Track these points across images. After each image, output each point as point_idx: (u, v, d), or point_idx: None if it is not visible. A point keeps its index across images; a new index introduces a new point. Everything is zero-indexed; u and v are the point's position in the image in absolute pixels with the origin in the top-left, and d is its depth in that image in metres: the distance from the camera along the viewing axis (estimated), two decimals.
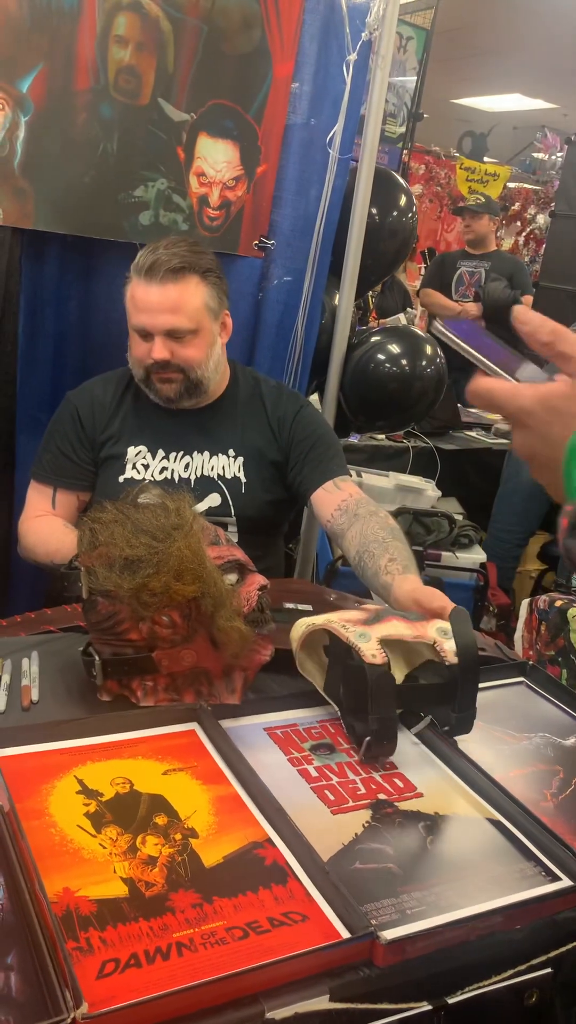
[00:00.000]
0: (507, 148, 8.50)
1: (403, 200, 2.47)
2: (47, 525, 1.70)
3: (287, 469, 1.77)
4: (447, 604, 1.29)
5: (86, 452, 1.74)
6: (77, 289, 2.02)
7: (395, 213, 2.43)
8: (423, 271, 7.59)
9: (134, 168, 1.92)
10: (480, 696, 1.18)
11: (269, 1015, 0.75)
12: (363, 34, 2.10)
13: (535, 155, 8.70)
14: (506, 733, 1.26)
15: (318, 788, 1.06)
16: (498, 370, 0.86)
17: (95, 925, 0.80)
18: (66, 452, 1.74)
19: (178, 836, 0.93)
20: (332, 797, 1.05)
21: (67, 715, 1.13)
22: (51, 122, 1.78)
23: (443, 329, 0.91)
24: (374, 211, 2.35)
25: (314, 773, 1.09)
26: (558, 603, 1.85)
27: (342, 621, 1.17)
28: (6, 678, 1.19)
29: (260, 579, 1.20)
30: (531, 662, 1.48)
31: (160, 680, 1.17)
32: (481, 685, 1.28)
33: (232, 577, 1.17)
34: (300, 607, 1.49)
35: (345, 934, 0.83)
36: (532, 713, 1.34)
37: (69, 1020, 0.68)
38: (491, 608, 2.81)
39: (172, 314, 1.62)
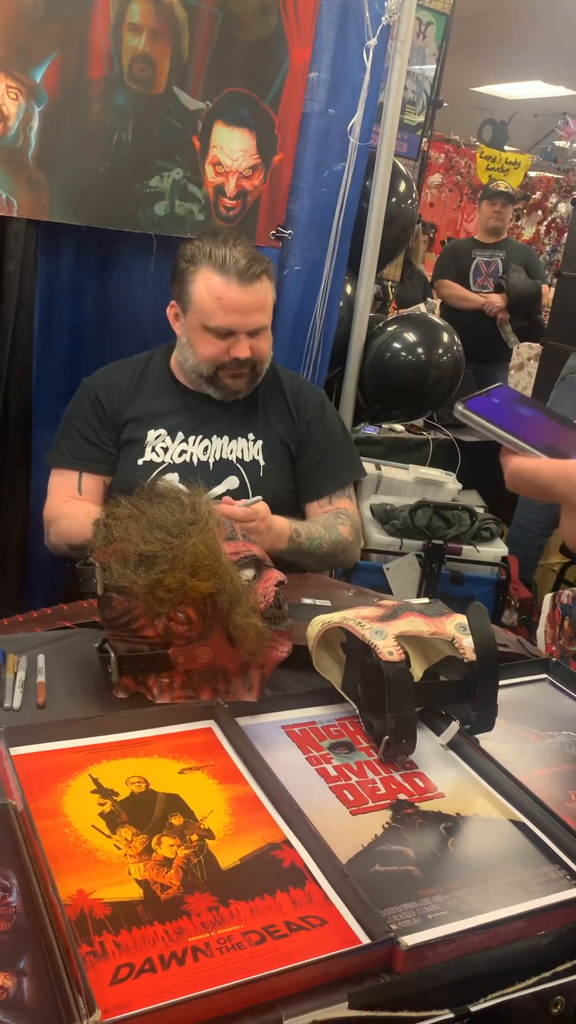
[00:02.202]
0: (528, 136, 8.41)
1: (403, 186, 2.44)
2: (82, 508, 1.65)
3: (296, 462, 1.79)
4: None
5: (108, 435, 1.72)
6: (93, 280, 2.00)
7: (394, 199, 2.40)
8: None
9: (149, 158, 1.90)
10: (502, 693, 1.16)
11: (287, 1022, 0.73)
12: (383, 18, 2.07)
13: (556, 143, 8.60)
14: (529, 731, 1.23)
15: (337, 788, 1.04)
16: (531, 449, 0.77)
17: (109, 929, 0.79)
18: (88, 436, 1.71)
19: (194, 837, 0.92)
20: (351, 797, 1.03)
21: (82, 712, 1.11)
22: (65, 112, 1.76)
23: (468, 412, 0.79)
24: (387, 199, 2.31)
25: (333, 772, 1.07)
26: None
27: (358, 618, 1.14)
28: (21, 675, 1.18)
29: (277, 574, 1.18)
30: (554, 658, 1.45)
31: (176, 677, 1.15)
32: (503, 682, 1.25)
33: (249, 573, 1.15)
34: (318, 602, 1.47)
35: (364, 939, 0.81)
36: (556, 711, 1.31)
37: None
38: (513, 602, 2.77)
39: (258, 313, 1.64)
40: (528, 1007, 0.83)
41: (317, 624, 1.19)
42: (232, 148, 2.00)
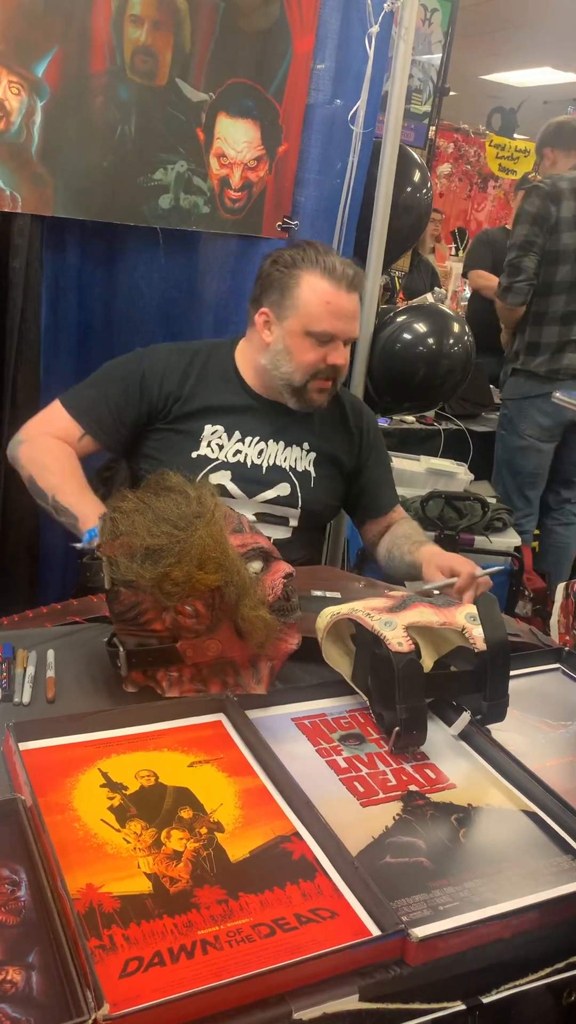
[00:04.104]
0: (538, 123, 8.33)
1: (417, 176, 2.41)
2: (66, 462, 1.59)
3: (353, 483, 1.83)
4: (475, 568, 1.48)
5: (132, 415, 1.69)
6: (99, 275, 2.00)
7: (408, 189, 2.37)
8: (452, 252, 7.47)
9: (153, 151, 1.89)
10: (514, 683, 1.15)
11: (297, 1015, 0.73)
12: (385, 5, 2.05)
13: None
14: (542, 721, 1.23)
15: (347, 780, 1.03)
16: None
17: (118, 922, 0.79)
18: (112, 405, 1.67)
19: (204, 830, 0.91)
20: (362, 789, 1.02)
21: (92, 707, 1.11)
22: (68, 106, 1.75)
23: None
24: (392, 188, 2.29)
25: (343, 764, 1.06)
26: None
27: (367, 609, 1.14)
28: (31, 670, 1.18)
29: (285, 567, 1.17)
30: (567, 648, 1.44)
31: (185, 671, 1.15)
32: (516, 672, 1.25)
33: (256, 565, 1.14)
34: (328, 594, 1.47)
35: (375, 931, 0.80)
36: (568, 700, 1.30)
37: (91, 1021, 0.67)
38: (527, 593, 2.76)
39: (356, 322, 1.67)
40: (540, 998, 0.83)
41: (326, 616, 1.18)
42: (236, 139, 1.99)
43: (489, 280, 4.58)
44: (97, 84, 1.77)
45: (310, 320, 1.62)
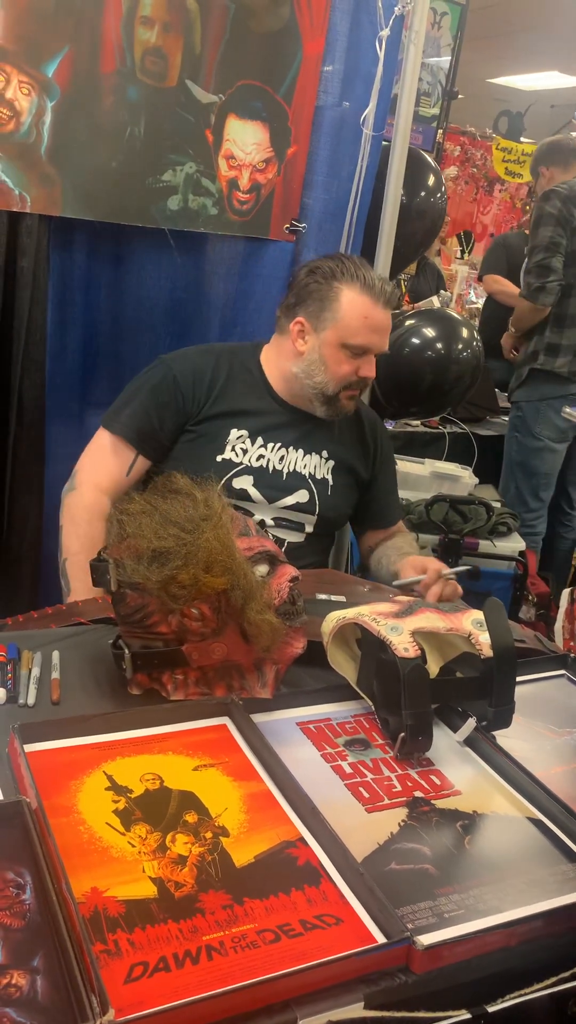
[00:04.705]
0: (544, 127, 8.31)
1: (431, 180, 2.41)
2: (97, 521, 1.63)
3: (363, 493, 1.85)
4: (443, 567, 1.61)
5: (172, 425, 1.70)
6: (106, 276, 2.00)
7: (423, 194, 2.37)
8: (458, 255, 7.47)
9: (162, 152, 1.89)
10: (520, 689, 1.14)
11: (302, 1022, 0.73)
12: (396, 8, 2.05)
13: (574, 134, 8.50)
14: (547, 728, 1.22)
15: (352, 785, 1.03)
16: None
17: (123, 927, 0.78)
18: (153, 419, 1.69)
19: (208, 834, 0.91)
20: (367, 794, 1.02)
21: (96, 709, 1.11)
22: (77, 107, 1.75)
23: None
24: (401, 192, 2.29)
25: (348, 769, 1.06)
26: None
27: (373, 614, 1.14)
28: (36, 671, 1.18)
29: (291, 570, 1.17)
30: (572, 654, 1.43)
31: (191, 674, 1.15)
32: (521, 678, 1.24)
33: (263, 568, 1.14)
34: (333, 598, 1.46)
35: (380, 938, 0.80)
36: (574, 707, 1.29)
37: None
38: (530, 597, 2.75)
39: (388, 336, 1.71)
40: (545, 1007, 0.82)
41: (332, 620, 1.18)
42: (245, 141, 1.99)
43: (504, 285, 4.57)
44: (107, 85, 1.77)
45: (348, 333, 1.64)
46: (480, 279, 4.93)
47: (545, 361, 3.23)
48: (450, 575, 1.61)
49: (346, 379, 1.68)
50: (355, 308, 1.64)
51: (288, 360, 1.72)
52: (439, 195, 2.45)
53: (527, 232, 4.73)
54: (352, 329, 1.64)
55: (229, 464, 1.69)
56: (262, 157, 2.03)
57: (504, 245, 4.81)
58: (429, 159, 2.48)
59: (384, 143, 2.20)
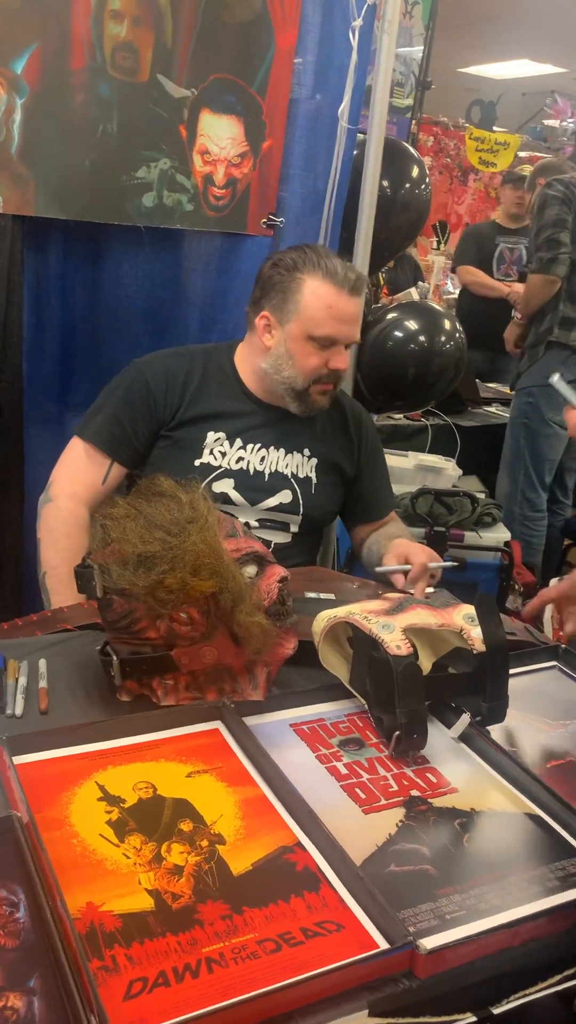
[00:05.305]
0: (516, 116, 8.33)
1: (415, 171, 2.40)
2: (75, 533, 1.61)
3: (351, 488, 1.82)
4: (428, 560, 1.56)
5: (147, 431, 1.68)
6: (82, 275, 1.97)
7: (407, 185, 2.36)
8: (434, 245, 7.46)
9: (135, 148, 1.86)
10: (512, 682, 1.14)
11: None
12: None
13: (546, 122, 8.52)
14: (541, 721, 1.22)
15: (348, 786, 1.02)
16: None
17: (120, 942, 0.77)
18: (126, 425, 1.66)
19: (204, 843, 0.90)
20: (363, 795, 1.01)
21: (85, 717, 1.09)
22: (48, 104, 1.72)
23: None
24: (385, 184, 2.28)
25: (343, 770, 1.05)
26: None
27: (364, 612, 1.12)
28: (23, 680, 1.16)
29: (280, 570, 1.15)
30: (563, 644, 1.43)
31: (181, 679, 1.13)
32: (513, 671, 1.23)
33: (251, 570, 1.12)
34: (322, 596, 1.45)
35: (382, 943, 0.79)
36: (567, 699, 1.29)
37: None
38: (517, 587, 2.75)
39: (357, 326, 1.68)
40: (551, 1006, 0.82)
41: (323, 620, 1.17)
42: (220, 136, 1.96)
43: (477, 276, 4.57)
44: (78, 81, 1.74)
45: (312, 324, 1.60)
46: (454, 270, 4.94)
47: (560, 334, 3.28)
48: (436, 569, 1.60)
49: (315, 372, 1.63)
50: (318, 298, 1.59)
51: (258, 356, 1.68)
52: (423, 187, 2.44)
53: (500, 223, 4.75)
54: (316, 320, 1.60)
55: (208, 468, 1.66)
56: (237, 152, 2.01)
57: (474, 235, 4.82)
58: (412, 150, 2.47)
59: (360, 135, 2.19)
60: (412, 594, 1.51)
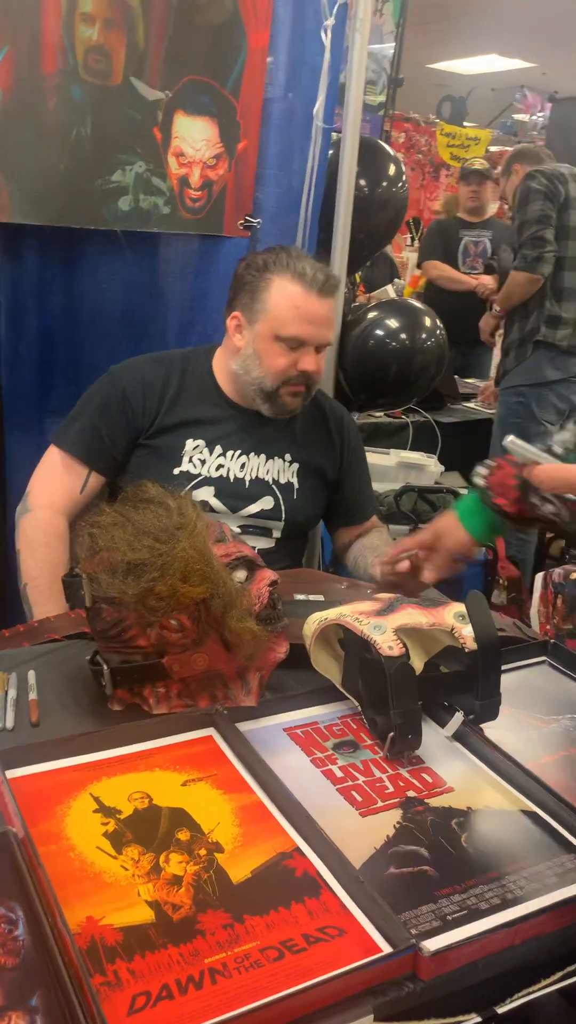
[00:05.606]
0: (486, 111, 8.38)
1: (392, 169, 2.40)
2: (55, 543, 1.61)
3: (333, 491, 1.81)
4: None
5: (124, 440, 1.66)
6: (59, 282, 1.95)
7: (385, 184, 2.36)
8: (408, 242, 7.49)
9: (110, 152, 1.85)
10: (503, 679, 1.14)
11: None
12: None
13: (515, 116, 8.58)
14: (533, 717, 1.22)
15: (344, 789, 1.02)
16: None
17: (122, 955, 0.76)
18: (103, 434, 1.65)
19: (203, 852, 0.89)
20: (360, 798, 1.00)
21: (77, 728, 1.08)
22: (20, 109, 1.71)
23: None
24: (363, 183, 2.28)
25: (339, 773, 1.05)
26: (574, 575, 1.81)
27: (355, 614, 1.12)
28: (12, 693, 1.14)
29: (270, 574, 1.15)
30: (551, 639, 1.44)
31: (172, 686, 1.12)
32: (503, 667, 1.23)
33: (241, 574, 1.12)
34: (312, 598, 1.45)
35: (385, 947, 0.79)
36: (558, 694, 1.29)
37: None
38: (502, 582, 2.76)
39: (329, 328, 1.66)
40: (554, 1003, 0.82)
41: (314, 622, 1.16)
42: (194, 138, 1.96)
43: (444, 270, 4.60)
44: (50, 85, 1.73)
45: (278, 324, 1.59)
46: (419, 265, 4.96)
47: (546, 333, 3.27)
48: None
49: (283, 374, 1.62)
50: (285, 298, 1.58)
51: (231, 358, 1.67)
52: (400, 185, 2.44)
53: (462, 217, 4.78)
54: (283, 320, 1.59)
55: (187, 476, 1.64)
56: (212, 153, 2.00)
57: (439, 231, 4.85)
58: (389, 149, 2.47)
59: (335, 134, 2.18)
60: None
